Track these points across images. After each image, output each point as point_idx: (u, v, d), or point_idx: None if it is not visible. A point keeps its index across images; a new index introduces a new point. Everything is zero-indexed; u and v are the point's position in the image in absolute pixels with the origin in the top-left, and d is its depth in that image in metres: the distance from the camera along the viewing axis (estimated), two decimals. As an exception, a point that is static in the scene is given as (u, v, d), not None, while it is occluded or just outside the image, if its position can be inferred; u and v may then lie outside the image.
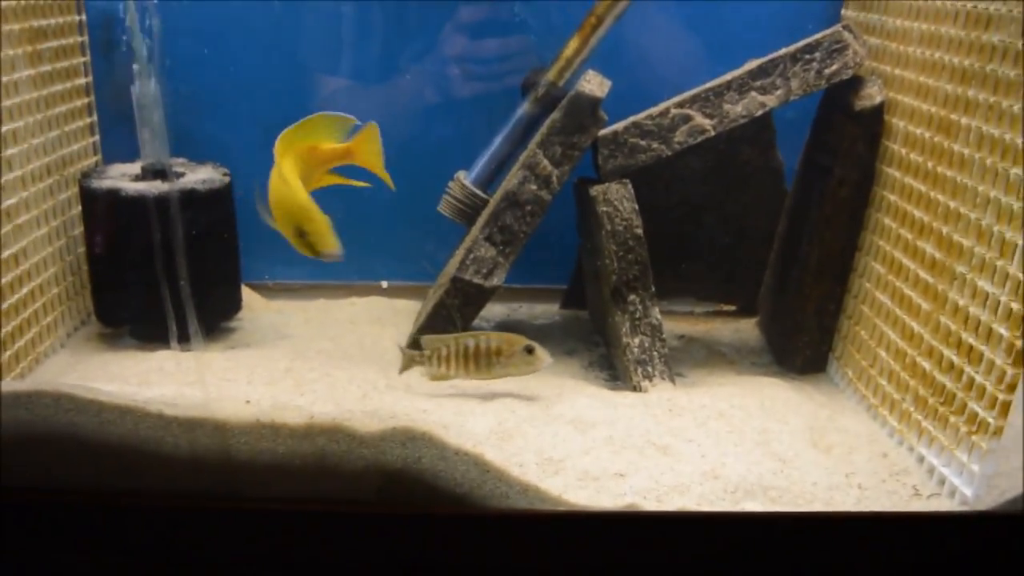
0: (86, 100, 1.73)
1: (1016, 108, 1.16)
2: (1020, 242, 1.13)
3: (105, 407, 1.11)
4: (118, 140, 1.77)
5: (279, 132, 1.63)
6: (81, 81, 1.71)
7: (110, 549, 1.14)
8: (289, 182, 1.36)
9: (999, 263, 1.17)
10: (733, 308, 1.93)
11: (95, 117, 1.76)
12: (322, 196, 1.73)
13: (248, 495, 1.13)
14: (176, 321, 1.32)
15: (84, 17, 1.70)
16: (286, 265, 1.94)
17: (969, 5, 1.28)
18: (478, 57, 1.78)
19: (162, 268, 1.37)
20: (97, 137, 1.78)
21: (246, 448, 1.12)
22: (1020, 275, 1.13)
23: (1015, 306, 1.13)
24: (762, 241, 1.79)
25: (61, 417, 1.11)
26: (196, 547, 1.14)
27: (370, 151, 1.45)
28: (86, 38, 1.72)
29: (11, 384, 1.14)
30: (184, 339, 1.32)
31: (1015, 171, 1.15)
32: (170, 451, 1.12)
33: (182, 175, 1.63)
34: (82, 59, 1.71)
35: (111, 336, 1.66)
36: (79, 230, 1.67)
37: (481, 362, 1.45)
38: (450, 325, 1.58)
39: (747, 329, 1.85)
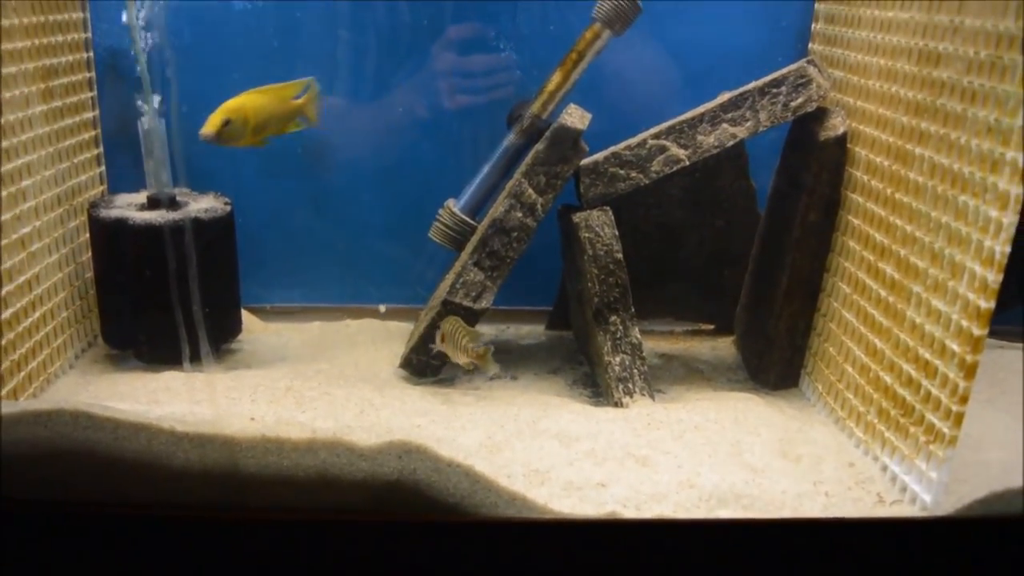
0: (93, 132, 1.80)
1: (963, 140, 1.25)
2: (968, 264, 1.21)
3: (120, 424, 1.17)
4: (123, 170, 1.84)
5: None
6: (89, 115, 1.78)
7: (125, 557, 1.19)
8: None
9: (951, 284, 1.24)
10: (711, 327, 1.98)
11: (102, 148, 1.83)
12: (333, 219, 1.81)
13: (255, 506, 1.19)
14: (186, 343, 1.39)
15: (92, 54, 1.77)
16: (284, 289, 2.01)
17: (921, 43, 1.36)
18: (469, 87, 1.86)
19: (173, 293, 1.43)
20: (104, 168, 1.84)
21: (253, 462, 1.18)
22: (969, 295, 1.20)
23: (965, 323, 1.21)
24: (737, 263, 1.85)
25: (79, 434, 1.16)
26: (206, 555, 1.20)
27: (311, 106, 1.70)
28: (94, 74, 1.78)
29: (31, 404, 1.19)
30: (195, 359, 1.38)
31: (963, 199, 1.23)
32: (182, 465, 1.17)
33: (186, 204, 1.69)
34: (90, 94, 1.78)
35: (117, 357, 1.71)
36: (87, 256, 1.74)
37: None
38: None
39: (724, 347, 1.91)
